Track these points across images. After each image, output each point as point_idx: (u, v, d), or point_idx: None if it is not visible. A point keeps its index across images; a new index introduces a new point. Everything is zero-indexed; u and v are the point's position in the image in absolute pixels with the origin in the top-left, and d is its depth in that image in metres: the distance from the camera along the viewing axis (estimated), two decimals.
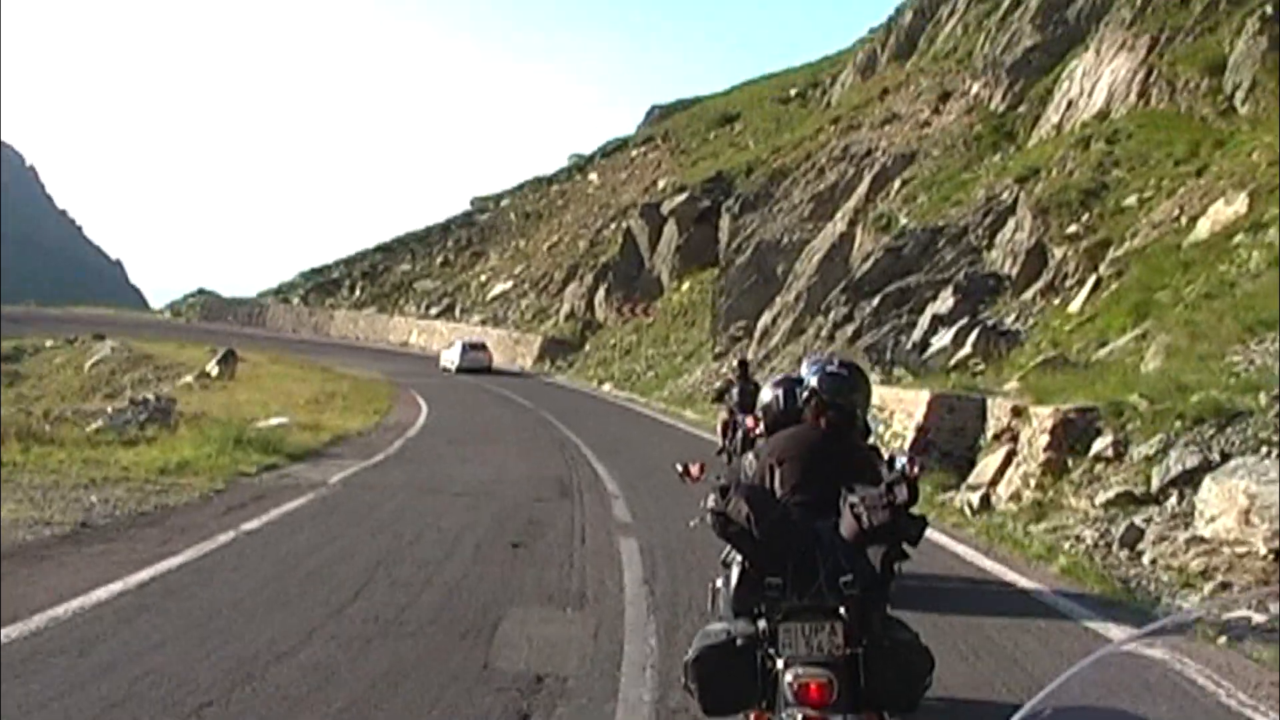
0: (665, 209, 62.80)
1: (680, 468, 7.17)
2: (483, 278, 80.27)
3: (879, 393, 20.99)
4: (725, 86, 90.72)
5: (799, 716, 5.34)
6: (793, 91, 77.62)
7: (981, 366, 26.10)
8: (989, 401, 18.64)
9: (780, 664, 5.45)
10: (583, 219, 78.87)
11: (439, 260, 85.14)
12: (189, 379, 45.82)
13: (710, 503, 5.62)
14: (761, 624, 5.59)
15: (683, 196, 62.72)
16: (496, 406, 39.32)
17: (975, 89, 45.68)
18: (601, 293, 64.66)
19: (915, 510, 5.58)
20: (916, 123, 47.20)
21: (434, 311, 78.45)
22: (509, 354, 66.25)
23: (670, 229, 62.22)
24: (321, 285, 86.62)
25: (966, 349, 27.60)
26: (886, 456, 6.42)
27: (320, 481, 16.23)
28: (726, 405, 20.23)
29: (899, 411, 20.98)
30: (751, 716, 5.72)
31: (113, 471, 14.83)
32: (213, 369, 46.59)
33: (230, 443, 17.72)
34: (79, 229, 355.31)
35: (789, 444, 6.23)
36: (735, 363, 23.04)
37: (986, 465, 17.01)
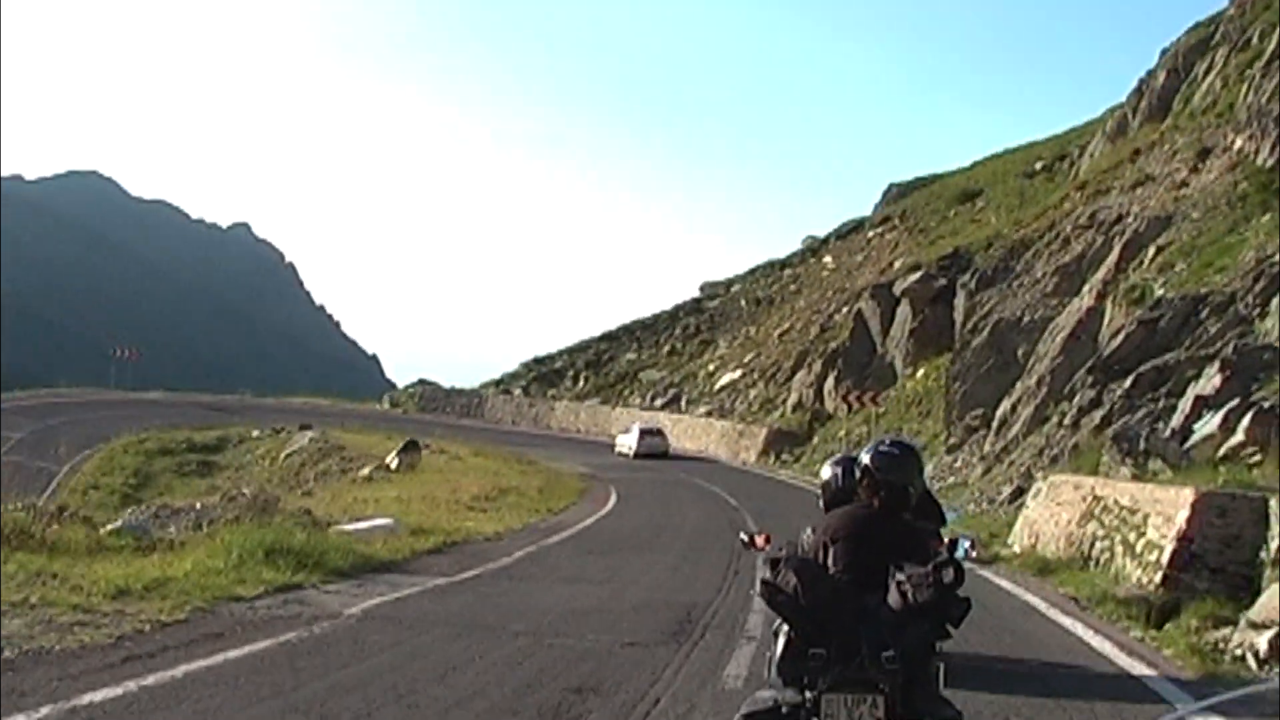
0: (898, 289, 58.24)
1: (745, 538, 7.84)
2: (710, 367, 76.76)
3: (1129, 491, 18.36)
4: (967, 162, 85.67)
5: None
6: (1038, 164, 72.29)
7: (1258, 457, 20.92)
8: (1271, 502, 14.17)
9: None
10: (815, 304, 74.78)
11: (665, 349, 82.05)
12: (367, 470, 43.44)
13: (764, 574, 6.17)
14: (808, 694, 5.91)
15: (917, 275, 58.10)
16: (694, 504, 35.43)
17: (1239, 143, 39.97)
18: (831, 381, 60.26)
19: (961, 592, 5.88)
20: (1172, 183, 41.68)
21: (659, 403, 75.20)
22: (732, 447, 62.32)
23: (904, 310, 57.59)
24: (544, 375, 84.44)
25: (1238, 436, 22.26)
26: (949, 540, 7.21)
27: (333, 613, 12.40)
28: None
29: (1154, 515, 16.43)
30: None
31: (58, 592, 11.39)
32: (392, 461, 44.00)
33: (259, 552, 14.15)
34: (336, 324, 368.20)
35: (842, 521, 6.67)
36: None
37: (1276, 593, 12.38)
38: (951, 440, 44.43)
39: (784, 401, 64.97)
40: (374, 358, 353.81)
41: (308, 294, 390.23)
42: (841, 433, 54.10)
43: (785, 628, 6.13)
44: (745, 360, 73.94)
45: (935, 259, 60.22)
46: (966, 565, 6.20)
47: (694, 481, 45.95)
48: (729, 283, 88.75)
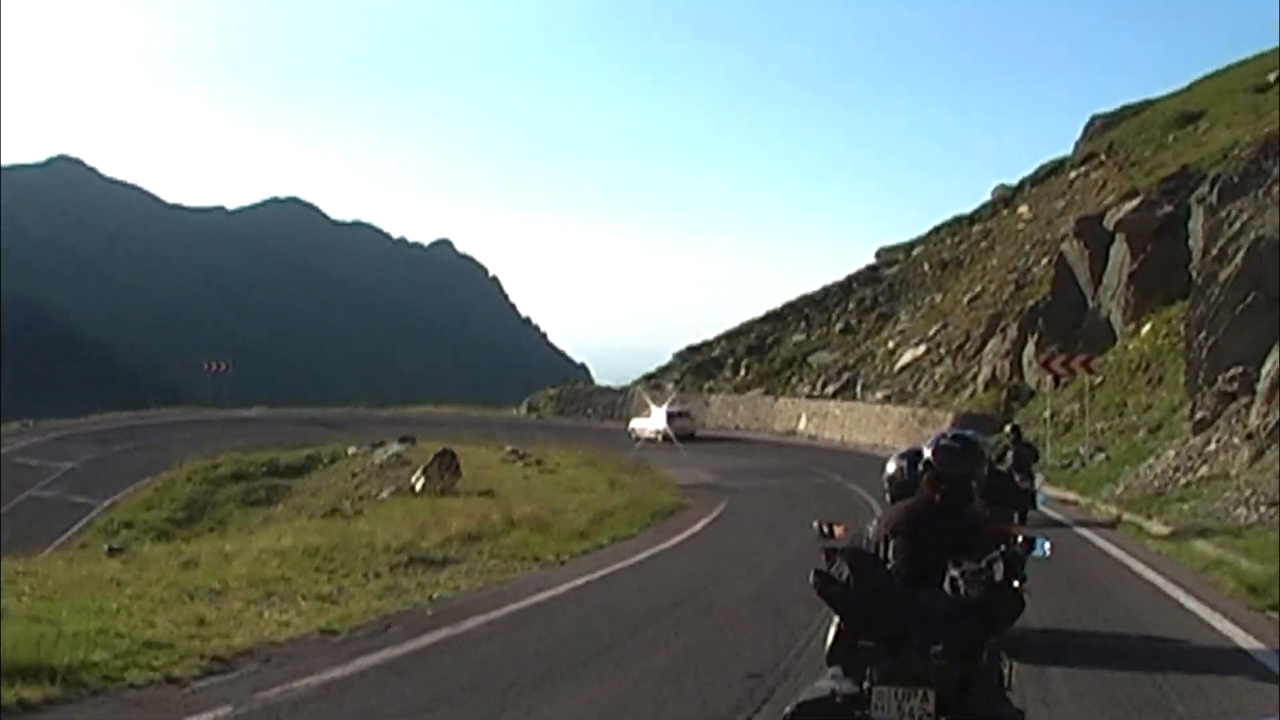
0: (1111, 222, 44.78)
1: (825, 528, 8.04)
2: (890, 344, 63.84)
3: None
4: (1182, 84, 70.67)
5: None
6: (1271, 76, 57.49)
7: None
8: None
9: None
10: (1010, 260, 61.24)
11: (838, 327, 69.29)
12: (385, 493, 32.91)
13: (820, 564, 6.25)
14: (865, 685, 5.89)
15: (1134, 203, 44.63)
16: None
17: None
18: (1030, 348, 47.12)
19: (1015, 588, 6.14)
20: None
21: (830, 389, 62.60)
22: (913, 438, 49.47)
23: (1119, 250, 44.15)
24: (700, 366, 72.39)
25: None
26: (1025, 538, 7.20)
27: None
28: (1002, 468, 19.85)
29: None
30: None
31: None
32: (418, 481, 33.03)
33: None
34: (543, 335, 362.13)
35: (902, 515, 6.80)
36: (1009, 429, 24.83)
37: None
38: (1199, 414, 31.33)
39: (974, 378, 51.97)
40: (583, 366, 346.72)
41: (513, 307, 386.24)
42: (1045, 412, 41.05)
43: (837, 618, 6.25)
44: (930, 334, 60.91)
45: (1157, 181, 46.65)
46: None
47: (848, 486, 34.28)
48: (909, 246, 75.33)
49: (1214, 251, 33.44)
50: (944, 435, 7.08)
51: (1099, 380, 40.37)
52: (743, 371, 69.79)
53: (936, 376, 56.41)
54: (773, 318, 74.32)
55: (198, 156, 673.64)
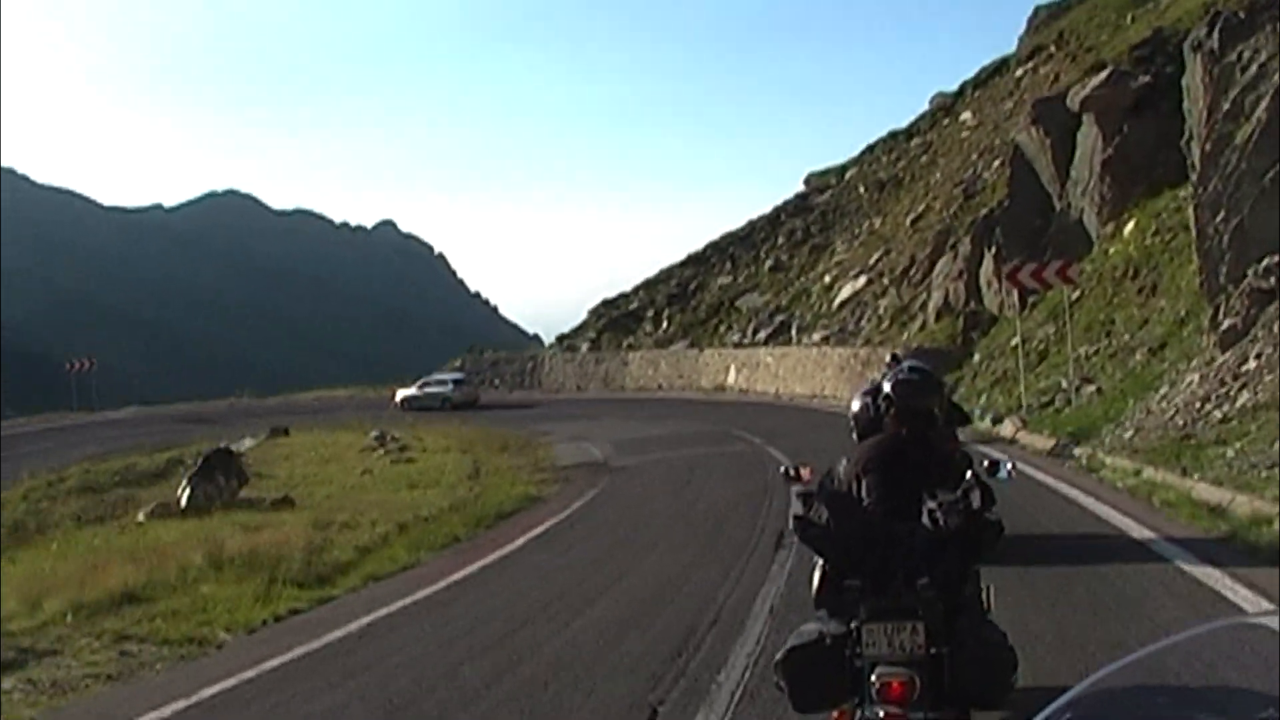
0: (1075, 101, 35.38)
1: (790, 470, 7.41)
2: (826, 279, 54.54)
3: None
4: None
5: (881, 713, 5.55)
6: None
7: None
8: None
9: (864, 664, 5.64)
10: (956, 174, 51.99)
11: (767, 265, 59.81)
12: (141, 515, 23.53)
13: (795, 508, 6.05)
14: (853, 624, 5.76)
15: (1102, 76, 35.28)
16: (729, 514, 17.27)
17: None
18: (988, 264, 37.92)
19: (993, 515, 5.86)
20: None
21: (762, 335, 53.40)
22: (855, 384, 40.44)
23: (1088, 135, 34.83)
24: (616, 321, 62.74)
25: None
26: (989, 461, 7.24)
27: None
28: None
29: None
30: (835, 714, 5.93)
31: None
32: (183, 493, 23.64)
33: None
34: (494, 309, 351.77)
35: (872, 452, 6.51)
36: (888, 357, 17.53)
37: None
38: (1226, 322, 22.28)
39: (924, 307, 42.77)
40: (535, 337, 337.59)
41: (461, 282, 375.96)
42: (1013, 340, 32.04)
43: (820, 561, 6.22)
44: (870, 263, 51.65)
45: (1126, 50, 37.40)
46: None
47: (765, 455, 25.74)
48: (840, 169, 65.73)
49: (1225, 107, 24.19)
50: (902, 369, 6.85)
51: (1076, 294, 31.22)
52: (665, 323, 60.34)
53: (880, 310, 47.24)
54: (694, 261, 64.69)
55: (131, 158, 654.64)
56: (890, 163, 61.61)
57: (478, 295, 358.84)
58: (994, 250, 37.43)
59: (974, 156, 52.07)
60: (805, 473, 7.31)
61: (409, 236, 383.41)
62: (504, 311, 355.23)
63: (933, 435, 6.63)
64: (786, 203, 65.65)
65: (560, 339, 65.96)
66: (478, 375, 63.08)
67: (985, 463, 7.26)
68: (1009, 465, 7.20)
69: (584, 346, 61.55)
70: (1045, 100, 37.89)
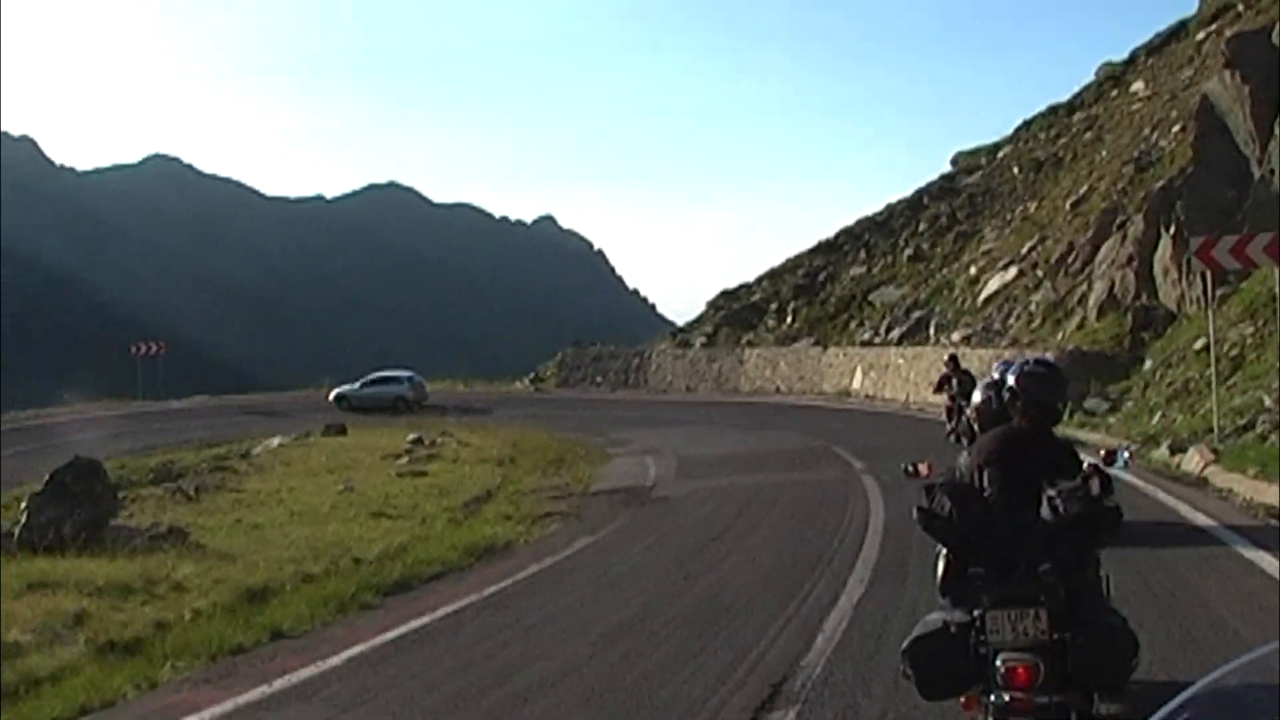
0: None
1: (910, 467, 7.41)
2: (971, 270, 46.89)
3: None
4: None
5: (1006, 699, 5.62)
6: None
7: None
8: None
9: (989, 650, 5.68)
10: (1125, 150, 43.91)
11: (906, 254, 52.21)
12: None
13: (920, 501, 6.00)
14: (976, 612, 5.78)
15: None
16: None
17: None
18: (1165, 247, 30.23)
19: (1109, 502, 5.84)
20: None
21: (896, 333, 46.07)
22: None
23: None
24: (736, 314, 55.57)
25: None
26: (1107, 451, 7.19)
27: None
28: (948, 393, 23.05)
29: None
30: (962, 700, 5.95)
31: None
32: (16, 525, 17.20)
33: None
34: (652, 306, 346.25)
35: (994, 444, 6.52)
36: (946, 357, 24.91)
37: None
38: None
39: (1083, 302, 35.14)
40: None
41: (620, 279, 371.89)
42: (1198, 342, 24.52)
43: (944, 551, 6.29)
44: (1022, 252, 43.90)
45: None
46: None
47: (856, 489, 19.13)
48: (992, 148, 57.52)
49: None
50: (1027, 362, 6.90)
51: None
52: (789, 318, 53.12)
53: (1032, 306, 39.64)
54: (825, 249, 57.15)
55: (295, 149, 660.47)
56: (1049, 140, 53.42)
57: (635, 292, 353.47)
58: (1173, 230, 29.67)
59: (1147, 130, 43.95)
60: (924, 468, 7.35)
61: (568, 232, 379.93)
62: (661, 310, 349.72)
63: (1054, 427, 6.67)
64: (930, 185, 57.72)
65: (674, 333, 59.17)
66: (577, 371, 56.61)
67: (1103, 452, 7.22)
68: (1126, 453, 7.15)
69: (698, 342, 54.70)
70: (1244, 37, 29.95)
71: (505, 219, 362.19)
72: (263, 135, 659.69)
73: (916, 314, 47.03)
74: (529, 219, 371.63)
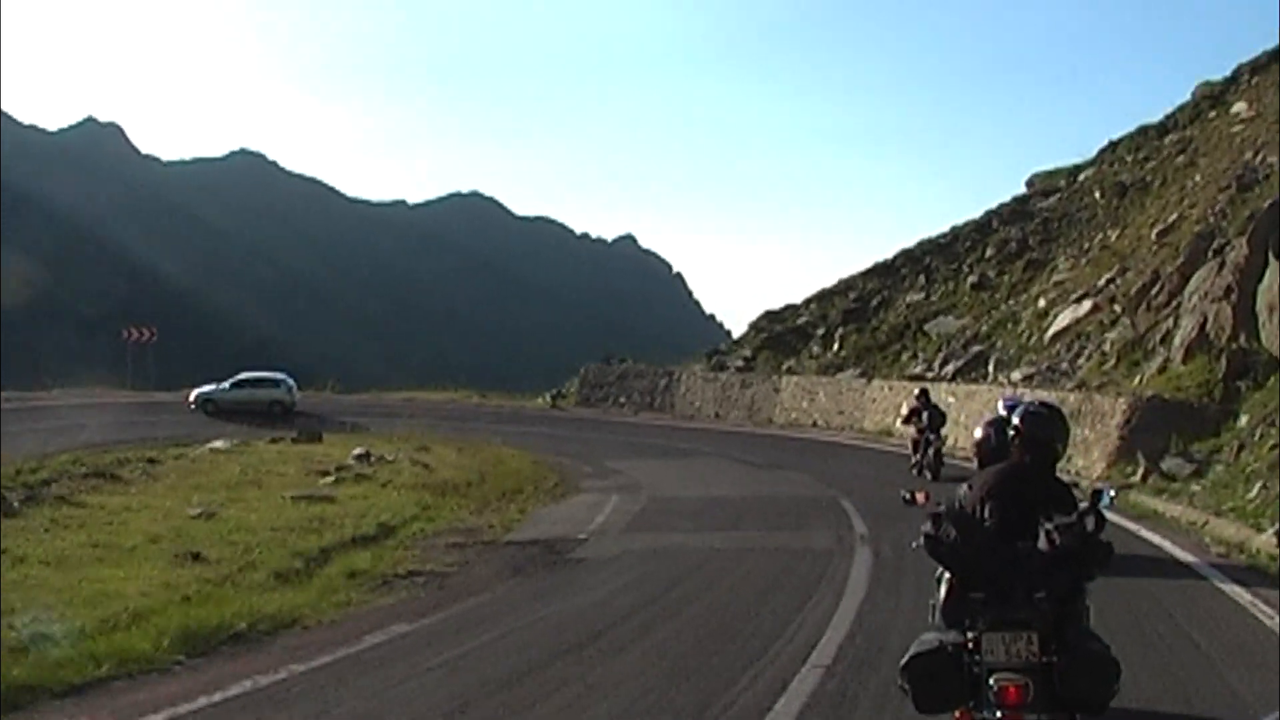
0: None
1: (907, 495, 7.71)
2: (1041, 302, 41.00)
3: None
4: None
5: (998, 715, 6.08)
6: None
7: None
8: None
9: (983, 669, 6.15)
10: (1222, 175, 37.99)
11: (969, 280, 46.36)
12: None
13: (926, 528, 6.42)
14: (969, 634, 6.26)
15: None
16: None
17: None
18: (1272, 278, 24.36)
19: (1102, 538, 6.34)
20: None
21: (950, 368, 40.38)
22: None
23: None
24: (779, 338, 49.88)
25: None
26: (1093, 491, 7.05)
27: None
28: (916, 425, 24.43)
29: None
30: (956, 715, 6.41)
31: None
32: None
33: None
34: (728, 332, 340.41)
35: (996, 478, 6.86)
36: (917, 391, 25.58)
37: None
38: None
39: (1167, 341, 29.28)
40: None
41: (697, 304, 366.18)
42: None
43: (947, 575, 6.68)
44: (1099, 284, 38.02)
45: None
46: None
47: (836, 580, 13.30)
48: (1073, 170, 51.50)
49: None
50: (1031, 404, 7.29)
51: None
52: (836, 345, 47.46)
53: (1106, 345, 33.80)
54: (881, 271, 51.35)
55: (379, 153, 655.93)
56: (1136, 163, 47.35)
57: (711, 317, 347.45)
58: None
59: (1249, 154, 37.98)
60: (920, 497, 7.59)
61: (648, 252, 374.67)
62: (737, 336, 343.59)
63: (1053, 466, 6.96)
64: (1002, 206, 51.70)
65: (710, 354, 53.52)
66: (599, 390, 51.15)
67: (1091, 492, 7.14)
68: (1110, 494, 7.21)
69: (733, 365, 49.13)
70: None
71: (586, 235, 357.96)
72: (348, 137, 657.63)
73: (975, 348, 41.31)
74: (609, 237, 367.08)
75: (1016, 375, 36.57)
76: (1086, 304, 37.81)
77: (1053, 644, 6.09)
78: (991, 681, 6.04)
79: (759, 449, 33.54)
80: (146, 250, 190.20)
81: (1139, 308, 32.81)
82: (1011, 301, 43.50)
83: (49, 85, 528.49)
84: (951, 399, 35.89)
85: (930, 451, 24.01)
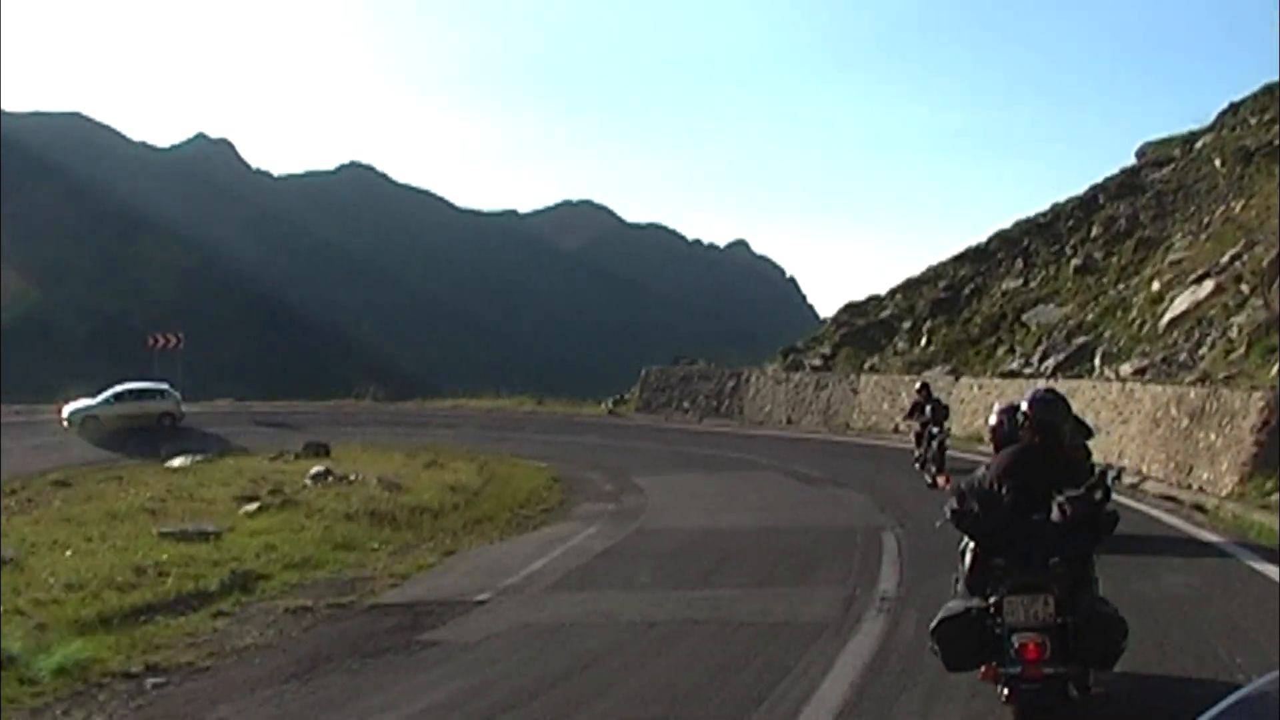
0: None
1: (930, 479, 10.18)
2: (1155, 285, 35.32)
3: None
4: None
5: (1018, 670, 6.80)
6: None
7: None
8: None
9: (1005, 630, 6.84)
10: None
11: (1073, 264, 40.60)
12: None
13: (952, 504, 7.16)
14: (991, 599, 6.96)
15: None
16: None
17: None
18: None
19: (1109, 507, 7.12)
20: None
21: (1051, 363, 34.95)
22: (1179, 449, 22.13)
23: None
24: (861, 332, 44.61)
25: None
26: (1100, 469, 7.76)
27: None
28: (918, 420, 24.17)
29: None
30: (983, 670, 7.19)
31: None
32: None
33: None
34: None
35: (1011, 458, 7.57)
36: (918, 385, 25.45)
37: None
38: None
39: None
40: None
41: (810, 308, 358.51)
42: None
43: (971, 545, 7.41)
44: (1223, 262, 32.33)
45: None
46: None
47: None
48: (1188, 137, 45.36)
49: None
50: (1038, 391, 8.01)
51: None
52: (924, 339, 42.08)
53: (1233, 331, 28.19)
54: (974, 256, 45.79)
55: (489, 163, 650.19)
56: (1262, 125, 41.17)
57: (825, 322, 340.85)
58: None
59: None
60: (941, 480, 9.43)
61: (761, 258, 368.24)
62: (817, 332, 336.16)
63: (1059, 444, 7.67)
64: (1109, 180, 45.82)
65: (785, 352, 48.32)
66: (661, 394, 46.26)
67: (1097, 470, 7.83)
68: (1114, 470, 7.72)
69: (809, 364, 43.94)
70: None
71: (698, 241, 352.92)
72: (457, 147, 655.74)
73: (1080, 340, 35.79)
74: (722, 243, 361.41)
75: (1127, 369, 31.11)
76: (1208, 285, 32.08)
77: (1067, 606, 6.81)
78: (1013, 640, 6.82)
79: (823, 460, 28.52)
80: (255, 263, 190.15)
81: (1272, 285, 27.14)
82: (1121, 286, 37.77)
83: (159, 102, 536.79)
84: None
85: (934, 445, 23.53)
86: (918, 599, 10.93)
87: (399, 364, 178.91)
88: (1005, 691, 6.95)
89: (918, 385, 26.32)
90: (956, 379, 36.26)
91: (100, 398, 41.36)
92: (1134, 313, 35.21)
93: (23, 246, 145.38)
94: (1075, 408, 27.87)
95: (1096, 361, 33.80)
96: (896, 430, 36.20)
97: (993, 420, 9.45)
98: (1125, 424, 25.78)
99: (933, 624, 7.02)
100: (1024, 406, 7.76)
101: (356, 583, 13.07)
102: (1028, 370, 35.68)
